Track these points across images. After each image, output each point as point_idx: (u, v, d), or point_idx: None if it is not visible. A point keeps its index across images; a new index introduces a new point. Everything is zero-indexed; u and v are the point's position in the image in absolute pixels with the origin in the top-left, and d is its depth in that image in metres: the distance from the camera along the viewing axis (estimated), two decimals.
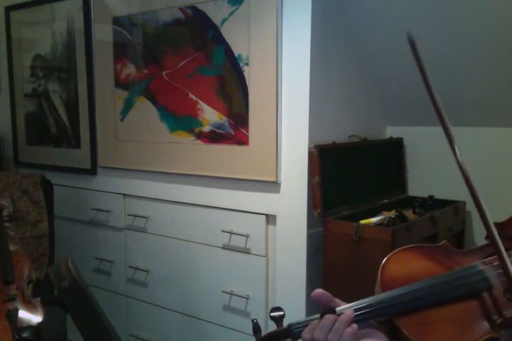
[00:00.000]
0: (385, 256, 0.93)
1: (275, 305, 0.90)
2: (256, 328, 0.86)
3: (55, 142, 2.47)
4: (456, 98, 1.86)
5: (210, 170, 1.88)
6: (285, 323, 0.86)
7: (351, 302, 0.85)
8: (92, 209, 2.31)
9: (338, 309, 0.82)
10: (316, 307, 0.85)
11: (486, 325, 0.81)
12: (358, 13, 1.77)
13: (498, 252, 0.83)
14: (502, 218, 1.01)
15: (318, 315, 0.83)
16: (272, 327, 0.87)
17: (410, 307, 0.83)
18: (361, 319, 0.82)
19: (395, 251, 0.94)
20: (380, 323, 0.85)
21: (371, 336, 0.82)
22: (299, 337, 0.82)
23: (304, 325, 0.83)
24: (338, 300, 0.85)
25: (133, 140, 2.12)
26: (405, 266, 0.91)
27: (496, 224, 0.97)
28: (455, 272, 0.87)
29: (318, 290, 0.83)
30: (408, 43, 0.89)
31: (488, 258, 0.91)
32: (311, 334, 0.80)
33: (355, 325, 0.79)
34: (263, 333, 0.86)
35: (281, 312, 0.86)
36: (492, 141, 1.90)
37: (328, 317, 0.80)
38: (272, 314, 0.86)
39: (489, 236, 0.86)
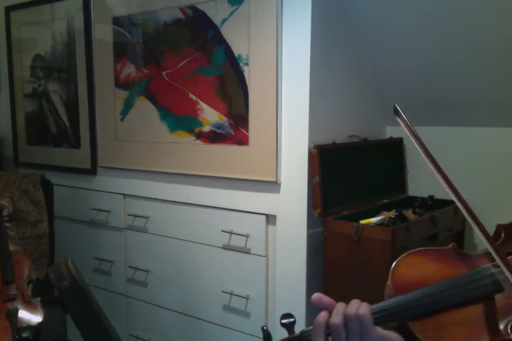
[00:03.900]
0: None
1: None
2: (266, 336, 0.83)
3: (55, 142, 2.47)
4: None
5: (210, 170, 1.88)
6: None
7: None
8: (92, 209, 2.31)
9: None
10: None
11: (500, 327, 0.81)
12: (358, 12, 1.77)
13: (498, 258, 0.83)
14: (509, 218, 1.01)
15: None
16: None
17: (424, 311, 0.82)
18: (374, 324, 0.79)
19: (404, 255, 0.93)
20: (391, 329, 0.84)
21: (390, 335, 0.80)
22: None
23: None
24: None
25: (133, 140, 2.12)
26: (416, 270, 0.91)
27: (503, 226, 0.97)
28: (466, 275, 0.86)
29: (316, 294, 0.81)
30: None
31: None
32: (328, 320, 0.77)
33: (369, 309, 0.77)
34: None
35: (292, 319, 0.82)
36: (499, 141, 1.90)
37: (341, 303, 0.78)
38: (282, 321, 0.82)
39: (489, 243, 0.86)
